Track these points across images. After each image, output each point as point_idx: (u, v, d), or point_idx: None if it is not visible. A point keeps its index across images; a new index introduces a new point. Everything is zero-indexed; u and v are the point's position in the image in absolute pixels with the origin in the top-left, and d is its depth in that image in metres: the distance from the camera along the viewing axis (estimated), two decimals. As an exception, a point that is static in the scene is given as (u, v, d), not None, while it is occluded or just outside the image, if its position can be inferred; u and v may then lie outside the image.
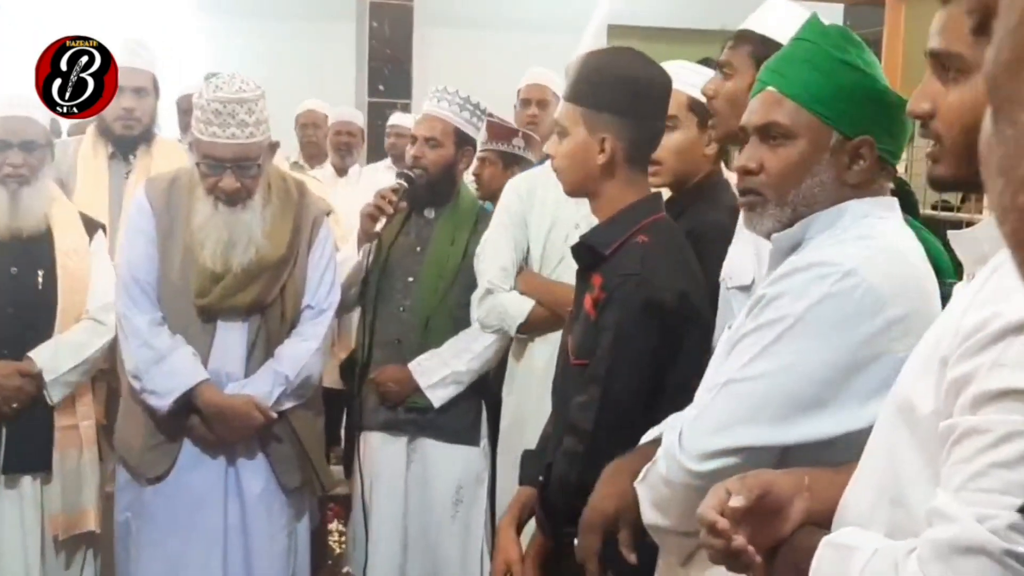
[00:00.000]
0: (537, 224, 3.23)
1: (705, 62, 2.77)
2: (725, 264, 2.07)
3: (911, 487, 1.14)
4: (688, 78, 2.64)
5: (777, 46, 1.98)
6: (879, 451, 1.25)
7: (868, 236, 1.61)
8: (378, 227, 3.27)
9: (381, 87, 7.33)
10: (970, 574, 1.00)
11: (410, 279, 3.37)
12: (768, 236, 1.71)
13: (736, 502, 1.28)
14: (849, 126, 1.64)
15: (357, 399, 3.43)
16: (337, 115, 5.75)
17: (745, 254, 1.77)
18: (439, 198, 3.40)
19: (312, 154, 5.62)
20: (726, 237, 2.33)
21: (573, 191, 2.28)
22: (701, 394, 1.77)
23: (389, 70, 7.36)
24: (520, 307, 3.17)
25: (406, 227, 3.41)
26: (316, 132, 5.68)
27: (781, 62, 1.71)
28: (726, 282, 2.02)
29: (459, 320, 3.35)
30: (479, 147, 3.68)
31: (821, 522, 1.31)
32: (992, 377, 1.02)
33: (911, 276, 1.60)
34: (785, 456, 1.58)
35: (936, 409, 1.10)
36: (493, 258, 3.22)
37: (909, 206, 1.79)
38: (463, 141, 3.38)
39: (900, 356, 1.51)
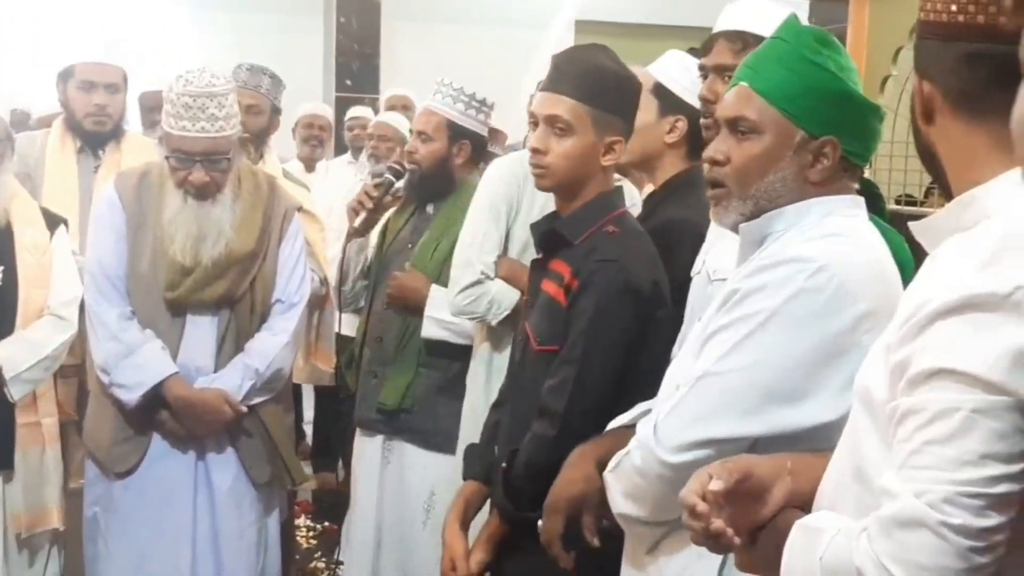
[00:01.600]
0: (526, 212, 3.07)
1: (692, 52, 2.67)
2: (708, 258, 2.09)
3: (873, 470, 1.20)
4: None
5: None
6: (848, 437, 1.31)
7: (837, 233, 1.65)
8: (357, 222, 3.25)
9: (348, 82, 7.31)
10: (911, 546, 1.08)
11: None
12: (733, 228, 1.76)
13: (715, 485, 1.32)
14: (814, 125, 1.67)
15: (355, 396, 3.38)
16: (307, 108, 5.74)
17: (731, 250, 1.79)
18: (437, 193, 3.32)
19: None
20: (689, 235, 2.32)
21: (555, 187, 2.28)
22: (667, 385, 1.81)
23: (357, 65, 7.34)
24: (509, 297, 3.03)
25: (409, 223, 3.35)
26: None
27: (756, 59, 1.76)
28: (710, 275, 2.02)
29: None
30: None
31: (805, 505, 1.35)
32: (924, 359, 1.10)
33: (879, 273, 1.64)
34: (756, 448, 1.60)
35: (887, 394, 1.17)
36: (483, 244, 3.05)
37: (876, 207, 1.83)
38: (458, 135, 3.29)
39: (869, 350, 1.55)
